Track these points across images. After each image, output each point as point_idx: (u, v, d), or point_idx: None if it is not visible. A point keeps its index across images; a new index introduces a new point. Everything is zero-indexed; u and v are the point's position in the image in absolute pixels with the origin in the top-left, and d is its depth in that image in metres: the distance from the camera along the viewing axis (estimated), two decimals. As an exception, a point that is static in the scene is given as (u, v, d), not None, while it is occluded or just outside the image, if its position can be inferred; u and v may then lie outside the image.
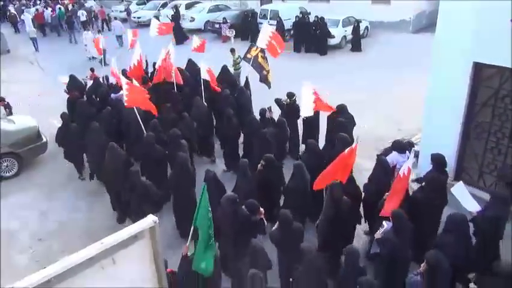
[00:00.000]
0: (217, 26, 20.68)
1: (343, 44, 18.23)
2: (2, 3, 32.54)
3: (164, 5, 25.98)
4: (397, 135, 9.18)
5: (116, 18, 22.91)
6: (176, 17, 22.75)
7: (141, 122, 8.27)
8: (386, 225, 5.05)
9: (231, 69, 12.39)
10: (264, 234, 5.40)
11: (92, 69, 12.29)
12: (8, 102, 11.47)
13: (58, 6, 26.86)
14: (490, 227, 4.91)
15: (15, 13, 27.36)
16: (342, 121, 7.56)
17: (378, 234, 5.07)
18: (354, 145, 5.70)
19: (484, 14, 5.73)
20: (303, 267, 4.46)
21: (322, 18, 17.38)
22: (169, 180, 6.92)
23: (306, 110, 7.57)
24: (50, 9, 26.27)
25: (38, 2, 31.56)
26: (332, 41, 17.73)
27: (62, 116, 8.95)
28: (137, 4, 28.00)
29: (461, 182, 5.57)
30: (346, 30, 18.15)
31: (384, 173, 5.98)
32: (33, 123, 10.17)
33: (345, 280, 4.50)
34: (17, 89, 14.73)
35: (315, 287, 4.54)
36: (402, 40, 18.30)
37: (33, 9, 27.26)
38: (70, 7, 26.66)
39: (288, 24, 18.98)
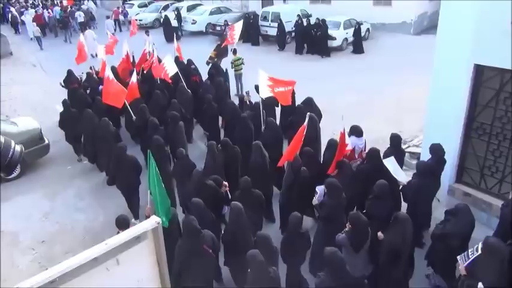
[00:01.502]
0: (218, 28, 20.72)
1: (344, 46, 18.25)
2: (1, 5, 32.85)
3: (166, 8, 26.08)
4: (401, 133, 9.15)
5: (108, 17, 23.60)
6: (178, 19, 22.89)
7: (129, 109, 9.28)
8: (318, 191, 5.85)
9: (231, 70, 12.60)
10: (228, 205, 5.77)
11: (91, 68, 12.64)
12: None
13: (55, 7, 27.36)
14: (416, 194, 5.71)
15: (16, 14, 27.69)
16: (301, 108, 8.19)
17: (315, 200, 5.88)
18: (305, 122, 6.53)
19: (485, 16, 5.74)
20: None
21: (323, 20, 17.41)
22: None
23: (263, 92, 8.06)
24: (48, 10, 27.00)
25: (36, 4, 31.82)
26: (333, 43, 17.75)
27: (63, 102, 10.01)
28: (139, 6, 28.11)
29: (392, 157, 6.16)
30: (347, 33, 18.17)
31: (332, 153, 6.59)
32: (35, 125, 10.22)
33: (286, 241, 5.14)
34: (20, 90, 14.82)
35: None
36: (404, 42, 18.33)
37: (32, 11, 27.82)
38: (69, 9, 26.99)
39: (289, 27, 19.03)
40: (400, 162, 6.53)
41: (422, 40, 18.02)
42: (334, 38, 17.62)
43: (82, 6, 29.11)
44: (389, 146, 6.73)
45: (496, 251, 4.07)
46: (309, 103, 8.47)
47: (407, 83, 12.75)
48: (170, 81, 10.63)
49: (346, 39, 18.25)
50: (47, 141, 10.00)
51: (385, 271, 4.87)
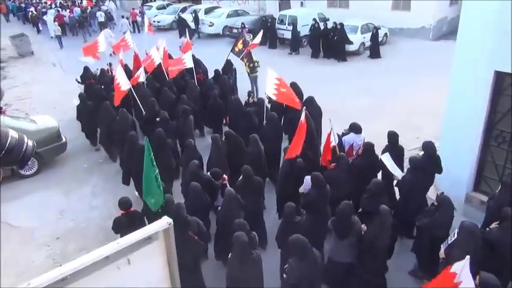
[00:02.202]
0: (235, 31, 20.80)
1: (361, 50, 18.11)
2: (23, 5, 33.80)
3: (183, 10, 26.31)
4: (415, 142, 9.06)
5: (123, 17, 24.14)
6: (196, 22, 23.08)
7: (139, 103, 9.99)
8: (306, 181, 6.09)
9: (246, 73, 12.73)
10: (222, 197, 6.06)
11: (110, 64, 13.19)
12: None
13: (76, 8, 28.02)
14: (409, 188, 5.94)
15: (37, 14, 28.43)
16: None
17: (301, 189, 6.19)
18: (302, 118, 6.71)
19: (506, 23, 5.62)
20: None
21: (341, 24, 17.31)
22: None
23: (269, 90, 8.30)
24: (68, 10, 27.76)
25: (57, 4, 32.67)
26: (350, 47, 17.62)
27: (80, 95, 10.57)
28: (157, 8, 28.44)
29: (387, 153, 6.51)
30: (364, 37, 18.02)
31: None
32: (53, 123, 10.41)
33: (281, 228, 5.51)
34: (40, 89, 15.13)
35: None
36: (422, 47, 18.09)
37: (53, 11, 28.64)
38: (89, 9, 27.68)
39: (306, 30, 18.96)
40: (400, 159, 6.70)
41: (441, 45, 17.77)
42: (351, 42, 17.50)
43: (102, 7, 29.74)
44: (387, 143, 6.81)
45: (470, 232, 4.51)
46: (309, 102, 8.67)
47: (424, 88, 12.58)
48: (151, 71, 11.26)
49: (363, 43, 18.11)
50: (64, 140, 10.17)
51: (363, 260, 5.11)
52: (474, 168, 6.67)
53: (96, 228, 7.66)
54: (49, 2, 34.28)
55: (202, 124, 10.56)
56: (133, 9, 27.08)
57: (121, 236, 5.62)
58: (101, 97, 10.55)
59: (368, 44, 17.94)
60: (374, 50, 17.60)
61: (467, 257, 3.71)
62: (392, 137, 6.74)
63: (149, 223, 5.56)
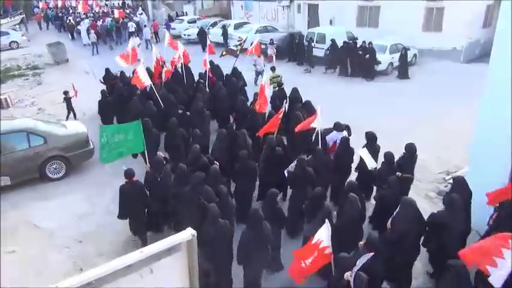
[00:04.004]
0: (263, 46, 21.01)
1: (389, 70, 17.93)
2: (61, 14, 35.41)
3: (214, 25, 26.85)
4: (444, 163, 8.85)
5: (145, 26, 26.85)
6: (224, 36, 23.50)
7: (159, 99, 11.43)
8: (293, 163, 7.30)
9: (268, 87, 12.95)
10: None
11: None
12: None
13: (107, 18, 29.83)
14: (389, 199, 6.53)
15: (73, 23, 29.91)
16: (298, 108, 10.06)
17: (288, 168, 7.36)
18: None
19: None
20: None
21: (370, 43, 17.23)
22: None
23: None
24: (101, 20, 29.60)
25: (91, 15, 34.15)
26: (378, 67, 17.49)
27: (102, 92, 12.57)
28: (188, 22, 29.12)
29: (365, 148, 7.63)
30: (393, 57, 17.85)
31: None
32: (83, 129, 10.69)
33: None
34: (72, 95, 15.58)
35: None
36: (452, 69, 17.76)
37: (87, 20, 30.51)
38: (121, 20, 29.31)
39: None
40: (375, 155, 7.71)
41: (472, 68, 17.38)
42: (379, 62, 17.38)
43: (134, 18, 30.88)
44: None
45: (409, 205, 5.65)
46: (307, 105, 10.04)
47: (453, 112, 12.32)
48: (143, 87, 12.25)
49: (391, 63, 17.94)
50: (92, 146, 10.41)
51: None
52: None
53: (117, 233, 7.75)
54: (83, 12, 35.82)
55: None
56: (154, 20, 29.41)
57: (122, 204, 7.01)
58: (122, 94, 12.14)
59: (396, 64, 17.77)
60: (402, 70, 17.40)
61: (326, 221, 5.10)
62: (371, 137, 7.91)
63: (149, 193, 7.20)
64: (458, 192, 5.96)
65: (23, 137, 9.52)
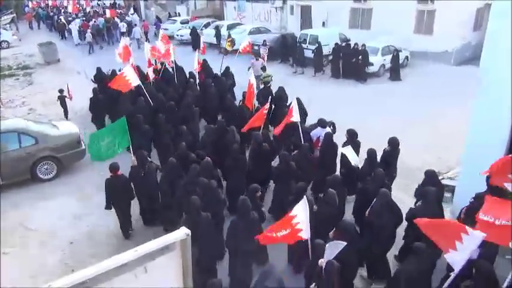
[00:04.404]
0: (256, 47, 21.03)
1: (381, 72, 18.06)
2: (52, 14, 35.17)
3: (207, 25, 26.80)
4: (436, 163, 8.91)
5: (135, 25, 27.33)
6: (217, 37, 23.48)
7: (148, 97, 11.29)
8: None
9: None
10: None
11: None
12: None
13: (100, 18, 29.79)
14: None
15: (64, 22, 29.80)
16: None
17: (274, 164, 8.02)
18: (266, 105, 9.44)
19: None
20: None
21: (363, 45, 17.33)
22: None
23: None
24: (93, 20, 29.58)
25: (82, 14, 34.00)
26: (370, 69, 17.61)
27: (93, 90, 12.49)
28: (181, 23, 29.05)
29: (349, 146, 7.75)
30: (385, 59, 17.98)
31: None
32: (74, 129, 10.63)
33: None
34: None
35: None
36: (444, 71, 17.93)
37: (78, 20, 30.28)
38: (112, 20, 29.01)
39: (326, 50, 19.02)
40: (357, 151, 7.98)
41: (463, 70, 17.57)
42: (371, 64, 17.49)
43: (126, 18, 30.75)
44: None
45: (385, 196, 5.95)
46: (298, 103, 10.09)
47: (446, 113, 12.44)
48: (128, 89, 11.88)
49: (383, 65, 18.07)
50: (84, 146, 10.31)
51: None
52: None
53: (110, 235, 7.72)
54: (74, 13, 35.57)
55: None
56: (144, 20, 29.86)
57: (107, 196, 7.39)
58: (113, 93, 11.81)
59: (388, 66, 17.90)
60: (394, 72, 17.54)
61: (304, 197, 5.32)
62: (352, 134, 8.19)
63: (135, 187, 7.57)
64: (430, 185, 6.27)
65: (14, 137, 9.44)
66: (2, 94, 16.77)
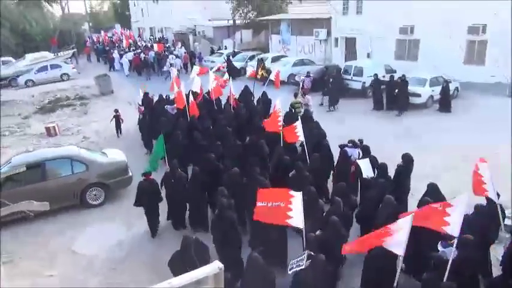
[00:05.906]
0: (297, 79, 21.19)
1: (429, 103, 17.45)
2: (107, 48, 37.72)
3: (252, 58, 27.48)
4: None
5: (177, 56, 30.05)
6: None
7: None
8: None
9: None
10: None
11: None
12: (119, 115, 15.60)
13: (150, 52, 31.46)
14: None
15: (118, 56, 32.62)
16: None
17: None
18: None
19: None
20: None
21: (403, 76, 16.92)
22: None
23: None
24: (143, 54, 31.22)
25: (133, 49, 36.12)
26: (417, 100, 17.09)
27: (142, 113, 14.33)
28: (227, 56, 29.98)
29: (367, 158, 8.55)
30: (433, 90, 17.38)
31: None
32: (122, 157, 11.07)
33: None
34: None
35: None
36: (497, 103, 16.97)
37: (130, 54, 32.27)
38: (162, 53, 31.03)
39: (369, 81, 18.74)
40: (373, 165, 8.50)
41: (519, 103, 16.57)
42: (418, 95, 16.99)
43: (174, 52, 32.37)
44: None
45: (387, 202, 6.90)
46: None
47: (498, 149, 11.65)
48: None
49: (432, 96, 17.45)
50: (130, 174, 10.72)
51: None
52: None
53: (151, 263, 7.79)
54: (127, 47, 37.87)
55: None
56: (185, 53, 31.69)
57: (137, 196, 8.63)
58: (158, 115, 13.63)
59: (437, 97, 17.29)
60: (444, 103, 16.86)
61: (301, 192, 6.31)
62: (365, 149, 9.27)
63: (166, 191, 8.92)
64: (431, 197, 6.81)
65: (67, 164, 9.97)
66: (59, 123, 17.94)
